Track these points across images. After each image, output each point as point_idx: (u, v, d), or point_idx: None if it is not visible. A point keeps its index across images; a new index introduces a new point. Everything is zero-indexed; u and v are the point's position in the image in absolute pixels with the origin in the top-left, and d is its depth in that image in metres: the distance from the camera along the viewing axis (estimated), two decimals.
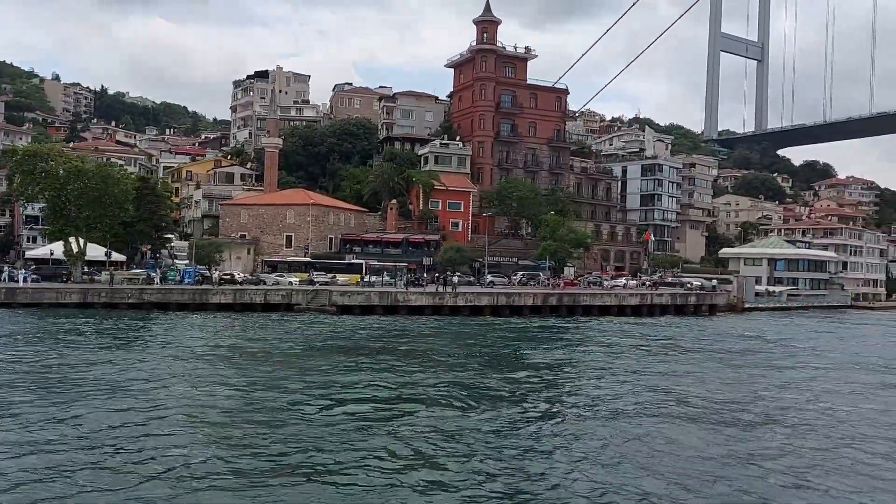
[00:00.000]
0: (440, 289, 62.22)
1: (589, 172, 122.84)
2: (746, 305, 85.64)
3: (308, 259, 77.40)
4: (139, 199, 64.40)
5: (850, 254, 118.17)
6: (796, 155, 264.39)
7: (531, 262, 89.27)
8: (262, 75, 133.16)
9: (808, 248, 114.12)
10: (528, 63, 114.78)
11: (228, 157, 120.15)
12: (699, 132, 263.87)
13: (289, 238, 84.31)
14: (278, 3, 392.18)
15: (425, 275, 79.73)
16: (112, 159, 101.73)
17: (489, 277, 79.53)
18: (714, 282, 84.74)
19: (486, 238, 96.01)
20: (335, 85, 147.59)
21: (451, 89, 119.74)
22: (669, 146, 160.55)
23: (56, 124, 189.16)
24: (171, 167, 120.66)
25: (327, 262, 76.76)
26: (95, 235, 62.08)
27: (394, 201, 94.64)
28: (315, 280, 67.70)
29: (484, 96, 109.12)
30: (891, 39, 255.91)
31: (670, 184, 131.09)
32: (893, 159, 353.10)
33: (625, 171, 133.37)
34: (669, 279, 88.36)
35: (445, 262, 78.28)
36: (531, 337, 48.93)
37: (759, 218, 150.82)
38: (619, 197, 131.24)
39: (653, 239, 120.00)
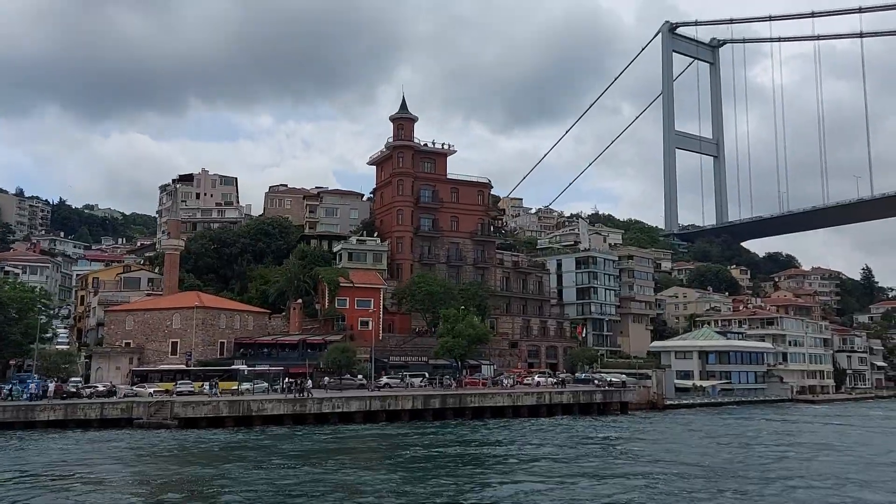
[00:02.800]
0: (296, 395, 56.44)
1: (519, 266, 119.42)
2: (668, 402, 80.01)
3: (182, 367, 71.50)
4: None
5: (790, 344, 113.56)
6: (761, 247, 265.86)
7: (445, 362, 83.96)
8: (186, 178, 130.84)
9: (742, 338, 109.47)
10: (450, 158, 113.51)
11: (146, 262, 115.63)
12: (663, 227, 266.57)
13: (174, 344, 78.54)
14: (264, 117, 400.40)
15: (327, 379, 74.06)
16: (6, 268, 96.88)
17: (384, 380, 73.81)
18: (623, 378, 79.28)
19: (391, 337, 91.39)
20: (270, 186, 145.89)
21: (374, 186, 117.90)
22: (607, 238, 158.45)
23: (5, 236, 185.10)
24: (82, 274, 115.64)
25: (206, 369, 70.88)
26: None
27: (299, 301, 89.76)
28: (180, 391, 61.62)
29: (402, 191, 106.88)
30: (839, 131, 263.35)
31: (606, 276, 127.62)
32: (863, 248, 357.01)
33: (560, 265, 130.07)
34: (582, 376, 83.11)
35: (331, 363, 72.61)
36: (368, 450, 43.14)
37: (708, 310, 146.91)
38: (554, 291, 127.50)
39: (584, 334, 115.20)
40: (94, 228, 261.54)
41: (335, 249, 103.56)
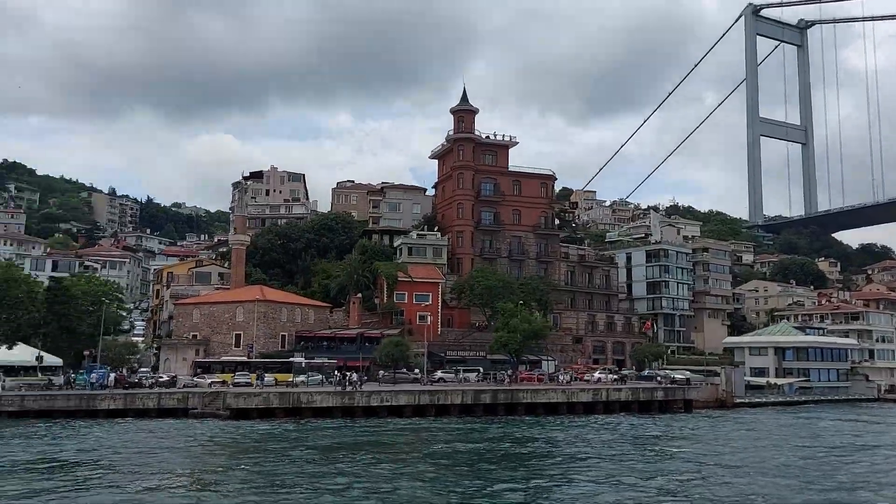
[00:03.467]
0: (344, 388, 56.61)
1: (585, 260, 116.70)
2: (737, 400, 76.18)
3: (242, 359, 73.11)
4: (50, 303, 61.94)
5: (878, 340, 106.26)
6: (855, 238, 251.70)
7: (503, 357, 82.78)
8: (256, 175, 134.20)
9: (823, 334, 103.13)
10: (511, 150, 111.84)
11: (218, 257, 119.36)
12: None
13: (238, 336, 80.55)
14: (344, 116, 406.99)
15: (382, 372, 74.36)
16: (87, 263, 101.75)
17: (438, 374, 73.30)
18: (687, 375, 75.94)
19: (450, 331, 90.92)
20: (337, 183, 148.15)
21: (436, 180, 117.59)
22: (682, 231, 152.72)
23: (83, 233, 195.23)
24: (158, 269, 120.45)
25: (265, 362, 72.26)
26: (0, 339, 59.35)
27: (358, 295, 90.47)
28: (237, 382, 63.02)
29: (462, 185, 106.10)
30: None
31: (678, 270, 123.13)
32: None
33: (629, 259, 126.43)
34: (645, 373, 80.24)
35: (385, 357, 72.62)
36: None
37: (790, 304, 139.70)
38: (623, 286, 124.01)
39: (654, 329, 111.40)
40: (179, 225, 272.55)
41: (395, 244, 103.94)
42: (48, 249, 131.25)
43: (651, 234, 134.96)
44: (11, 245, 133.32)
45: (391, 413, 56.78)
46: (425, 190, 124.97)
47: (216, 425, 49.62)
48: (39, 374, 63.28)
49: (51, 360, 69.87)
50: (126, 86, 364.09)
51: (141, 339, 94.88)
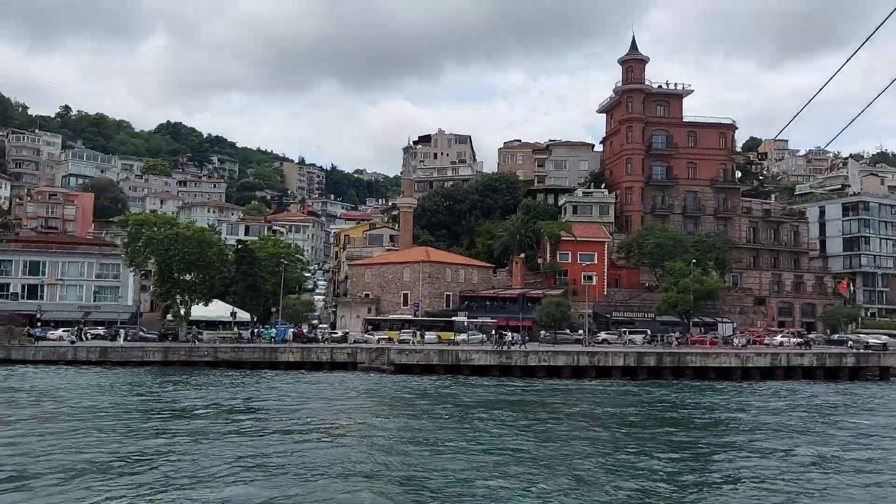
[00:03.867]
0: (500, 347, 56.97)
1: (771, 215, 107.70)
2: None
3: (408, 317, 75.97)
4: (238, 263, 68.04)
5: None
6: None
7: (674, 318, 79.22)
8: (424, 139, 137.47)
9: None
10: (686, 100, 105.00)
11: (390, 220, 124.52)
12: None
13: (405, 296, 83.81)
14: (516, 75, 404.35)
15: (543, 332, 74.39)
16: (275, 228, 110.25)
17: (602, 335, 71.67)
18: (884, 340, 67.76)
19: (617, 292, 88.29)
20: (504, 143, 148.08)
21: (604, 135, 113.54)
22: (886, 180, 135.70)
23: (275, 200, 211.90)
24: (337, 232, 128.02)
25: (429, 320, 74.76)
26: (198, 296, 66.32)
27: (521, 255, 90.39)
28: (403, 339, 65.84)
29: (631, 139, 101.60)
30: None
31: (882, 224, 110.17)
32: None
33: (822, 212, 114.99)
34: (834, 337, 72.96)
35: (545, 318, 71.98)
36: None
37: None
38: (815, 242, 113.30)
39: (851, 290, 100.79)
40: (360, 191, 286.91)
41: (560, 203, 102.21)
42: (242, 216, 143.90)
43: (849, 186, 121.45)
44: (213, 212, 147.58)
45: (549, 373, 56.30)
46: (593, 146, 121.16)
47: (378, 378, 52.15)
48: (235, 329, 70.05)
49: (242, 315, 77.29)
50: (312, 59, 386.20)
51: (322, 297, 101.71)
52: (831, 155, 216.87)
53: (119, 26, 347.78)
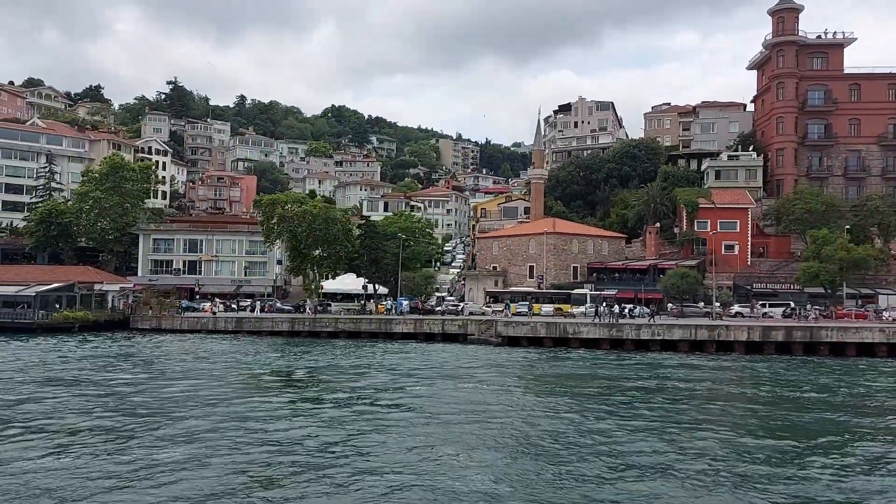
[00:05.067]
0: (611, 320, 55.40)
1: None
2: None
3: (531, 289, 75.73)
4: (363, 238, 71.25)
5: None
6: None
7: (823, 290, 72.62)
8: (565, 108, 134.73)
9: None
10: (847, 50, 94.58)
11: (526, 192, 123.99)
12: None
13: (531, 268, 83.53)
14: (686, 34, 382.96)
15: (670, 305, 71.35)
16: (413, 203, 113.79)
17: (735, 308, 67.32)
18: None
19: (762, 262, 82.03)
20: (652, 107, 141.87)
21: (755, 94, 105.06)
22: None
23: (425, 176, 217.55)
24: (475, 206, 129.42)
25: (551, 292, 74.16)
26: (326, 270, 70.47)
27: (656, 225, 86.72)
28: (519, 311, 66.06)
29: (782, 96, 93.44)
30: None
31: None
32: None
33: None
34: None
35: (671, 290, 68.64)
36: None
37: None
38: None
39: None
40: (514, 164, 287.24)
41: (702, 168, 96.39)
42: (389, 192, 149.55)
43: None
44: (364, 190, 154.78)
45: (664, 348, 54.19)
46: (745, 106, 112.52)
47: (484, 350, 52.93)
48: (357, 302, 73.68)
49: (381, 289, 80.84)
50: (469, 37, 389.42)
51: (458, 269, 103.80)
52: None
53: (291, 18, 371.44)
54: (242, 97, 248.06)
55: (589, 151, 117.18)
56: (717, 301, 66.31)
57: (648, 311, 63.18)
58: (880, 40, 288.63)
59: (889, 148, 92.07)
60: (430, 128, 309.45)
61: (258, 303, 70.81)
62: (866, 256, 66.25)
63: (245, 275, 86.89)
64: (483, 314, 66.79)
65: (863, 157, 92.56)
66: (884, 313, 60.35)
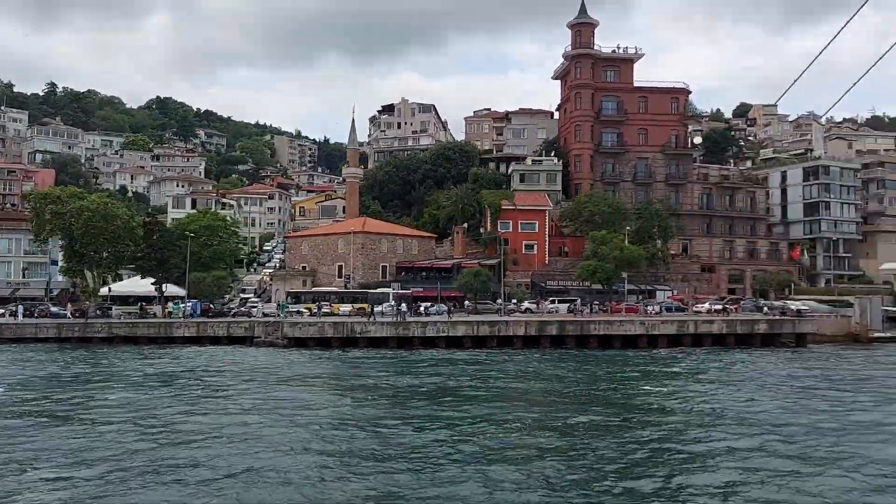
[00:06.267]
0: (399, 318, 56.33)
1: (728, 181, 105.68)
2: (874, 335, 65.74)
3: (334, 289, 75.40)
4: (147, 236, 67.35)
5: None
6: None
7: (616, 286, 78.09)
8: (388, 109, 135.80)
9: None
10: (637, 64, 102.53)
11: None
12: None
13: (340, 268, 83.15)
14: (529, 46, 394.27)
15: (467, 303, 73.57)
16: (224, 201, 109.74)
17: (525, 305, 70.74)
18: (797, 306, 66.30)
19: (558, 260, 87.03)
20: (474, 111, 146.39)
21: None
22: (854, 144, 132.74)
23: (250, 174, 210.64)
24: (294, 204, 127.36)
25: (354, 292, 74.17)
26: (105, 271, 65.88)
27: (464, 225, 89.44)
28: (314, 311, 65.25)
29: (580, 105, 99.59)
30: None
31: (843, 188, 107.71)
32: None
33: (784, 177, 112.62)
34: (749, 303, 71.80)
35: (464, 288, 71.14)
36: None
37: None
38: (778, 208, 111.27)
39: (805, 256, 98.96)
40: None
41: (508, 171, 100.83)
42: (213, 189, 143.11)
43: (812, 150, 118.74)
44: (182, 186, 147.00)
45: (450, 344, 55.67)
46: (552, 114, 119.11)
47: (266, 353, 51.67)
48: (142, 305, 69.31)
49: (174, 290, 76.59)
50: (316, 33, 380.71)
51: (270, 271, 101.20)
52: (826, 121, 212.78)
53: (124, 3, 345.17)
54: (53, 84, 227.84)
55: (409, 152, 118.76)
56: (506, 298, 69.26)
57: (445, 308, 64.91)
58: (695, 55, 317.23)
59: (671, 156, 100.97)
60: (269, 124, 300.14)
61: (20, 307, 64.68)
62: (638, 255, 72.03)
63: (23, 276, 79.43)
64: (278, 315, 65.36)
65: (650, 164, 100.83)
66: (647, 308, 65.70)
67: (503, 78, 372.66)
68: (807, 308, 67.45)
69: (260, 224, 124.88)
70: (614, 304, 69.16)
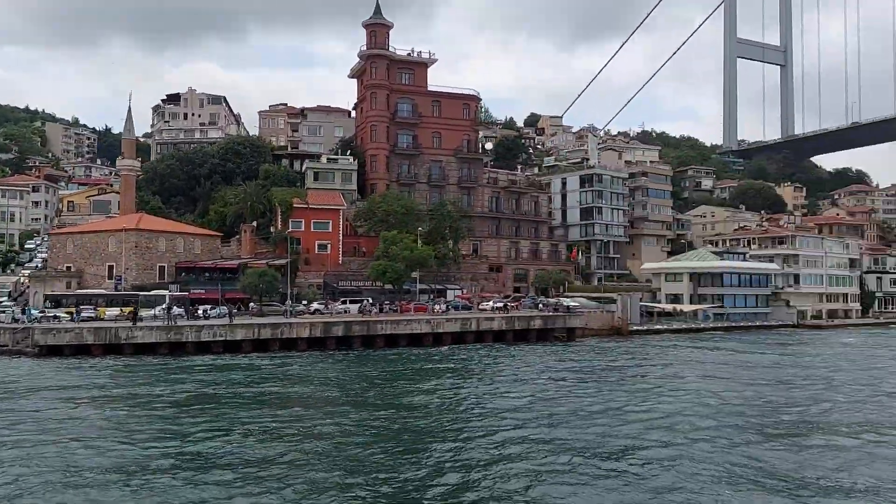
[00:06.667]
0: (168, 322, 52.39)
1: (514, 186, 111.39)
2: (634, 328, 72.59)
3: (102, 291, 68.74)
4: None
5: (806, 265, 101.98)
6: (833, 164, 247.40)
7: (407, 286, 78.66)
8: (174, 98, 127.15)
9: (745, 259, 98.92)
10: (429, 69, 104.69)
11: None
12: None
13: (110, 268, 75.90)
14: (333, 42, 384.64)
15: (252, 305, 70.31)
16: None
17: (314, 306, 69.15)
18: (569, 303, 71.95)
19: (352, 261, 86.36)
20: (269, 105, 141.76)
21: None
22: (624, 154, 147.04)
23: (12, 164, 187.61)
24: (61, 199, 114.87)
25: (124, 295, 68.00)
26: None
27: (253, 224, 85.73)
28: (84, 317, 58.68)
29: (375, 105, 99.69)
30: None
31: (613, 195, 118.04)
32: None
33: (564, 184, 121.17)
34: (527, 301, 76.62)
35: (248, 289, 68.26)
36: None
37: (737, 230, 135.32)
38: (558, 212, 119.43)
39: (580, 256, 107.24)
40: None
41: (303, 169, 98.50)
42: None
43: (589, 159, 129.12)
44: None
45: (229, 349, 52.72)
46: (350, 112, 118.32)
47: (12, 363, 45.51)
48: None
49: None
50: (102, 14, 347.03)
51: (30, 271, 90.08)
52: (601, 131, 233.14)
53: None
54: None
55: (196, 145, 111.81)
56: (298, 299, 67.30)
57: (227, 310, 61.45)
58: (496, 66, 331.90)
59: (464, 160, 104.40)
60: (42, 109, 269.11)
61: None
62: (428, 255, 73.38)
63: None
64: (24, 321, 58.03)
65: (444, 167, 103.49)
66: (435, 307, 67.12)
67: (309, 74, 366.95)
68: (577, 305, 72.80)
69: (21, 220, 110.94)
70: (403, 304, 69.79)
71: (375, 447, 22.27)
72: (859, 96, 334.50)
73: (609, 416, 27.66)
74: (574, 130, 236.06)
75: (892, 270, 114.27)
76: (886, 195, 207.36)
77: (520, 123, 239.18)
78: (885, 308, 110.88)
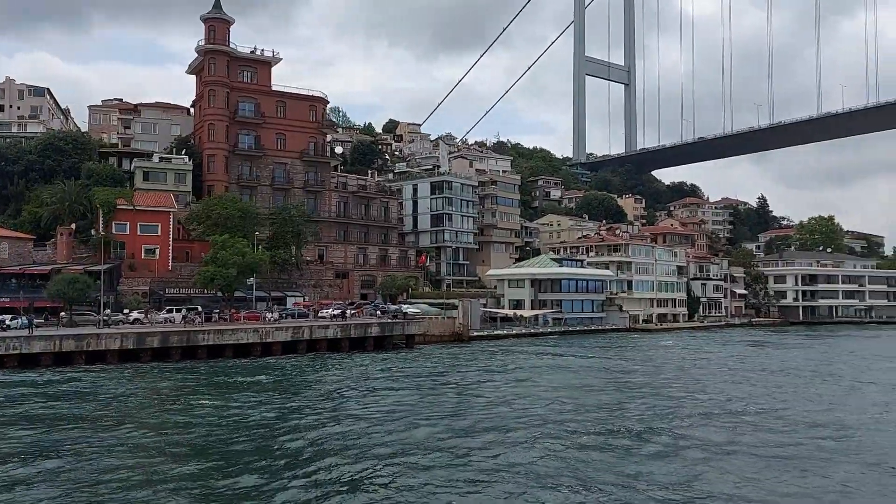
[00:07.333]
0: None
1: (363, 191, 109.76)
2: (474, 334, 73.02)
3: None
4: None
5: (638, 272, 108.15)
6: (672, 177, 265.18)
7: (241, 294, 74.49)
8: None
9: (582, 266, 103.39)
10: (272, 69, 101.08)
11: None
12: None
13: None
14: (192, 40, 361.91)
15: (63, 314, 63.72)
16: None
17: (134, 315, 63.93)
18: (410, 309, 71.65)
19: (184, 266, 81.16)
20: (102, 100, 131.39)
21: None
22: (474, 163, 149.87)
23: None
24: None
25: None
26: None
27: (72, 226, 78.32)
28: None
29: (214, 103, 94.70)
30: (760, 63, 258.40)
31: (463, 202, 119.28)
32: (785, 181, 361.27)
33: (415, 190, 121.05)
34: (370, 306, 75.55)
35: (56, 296, 62.13)
36: None
37: (580, 237, 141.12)
38: (410, 218, 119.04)
39: (429, 262, 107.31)
40: None
41: (132, 168, 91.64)
42: None
43: (440, 167, 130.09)
44: None
45: (25, 363, 47.16)
46: (188, 110, 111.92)
47: None
48: None
49: None
50: None
51: None
52: (461, 142, 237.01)
53: None
54: None
55: (11, 139, 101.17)
56: (101, 308, 61.78)
57: (27, 321, 55.23)
58: (359, 72, 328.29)
59: (310, 163, 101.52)
60: None
61: None
62: (261, 261, 70.10)
63: None
64: None
65: (288, 169, 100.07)
66: (267, 315, 64.06)
67: (162, 71, 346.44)
68: (418, 311, 72.22)
69: None
70: (234, 312, 66.10)
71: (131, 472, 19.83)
72: (694, 115, 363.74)
73: (397, 422, 26.63)
74: (432, 138, 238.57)
75: (715, 277, 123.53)
76: (715, 208, 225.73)
77: (379, 130, 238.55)
78: (709, 312, 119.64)
